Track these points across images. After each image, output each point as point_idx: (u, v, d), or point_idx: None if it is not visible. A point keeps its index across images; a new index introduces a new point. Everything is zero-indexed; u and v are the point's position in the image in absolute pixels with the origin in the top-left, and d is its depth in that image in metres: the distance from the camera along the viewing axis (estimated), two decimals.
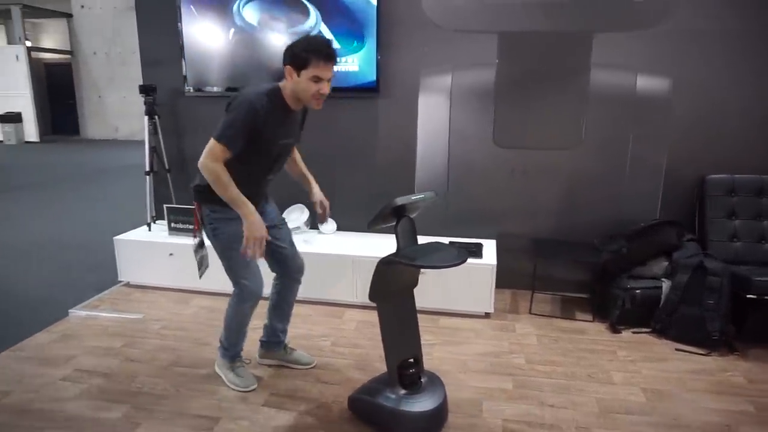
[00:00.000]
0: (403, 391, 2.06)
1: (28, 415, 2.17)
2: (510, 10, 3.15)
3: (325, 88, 2.05)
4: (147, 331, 2.95)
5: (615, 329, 2.97)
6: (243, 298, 2.27)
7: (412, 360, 2.11)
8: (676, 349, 2.76)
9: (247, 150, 2.04)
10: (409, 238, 2.02)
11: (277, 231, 2.35)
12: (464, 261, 1.90)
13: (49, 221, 5.52)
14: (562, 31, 3.14)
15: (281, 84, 2.09)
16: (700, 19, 3.00)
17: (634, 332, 2.95)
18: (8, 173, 8.47)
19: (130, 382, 2.43)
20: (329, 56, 2.01)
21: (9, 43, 13.68)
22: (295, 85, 2.04)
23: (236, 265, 2.21)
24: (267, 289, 2.36)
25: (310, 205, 3.55)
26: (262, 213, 2.20)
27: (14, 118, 12.37)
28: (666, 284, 2.93)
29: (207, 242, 2.33)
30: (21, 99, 12.51)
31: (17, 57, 12.43)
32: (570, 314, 3.19)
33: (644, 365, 2.61)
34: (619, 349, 2.77)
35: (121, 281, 3.59)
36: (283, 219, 2.46)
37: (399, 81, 3.39)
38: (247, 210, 2.03)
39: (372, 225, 2.00)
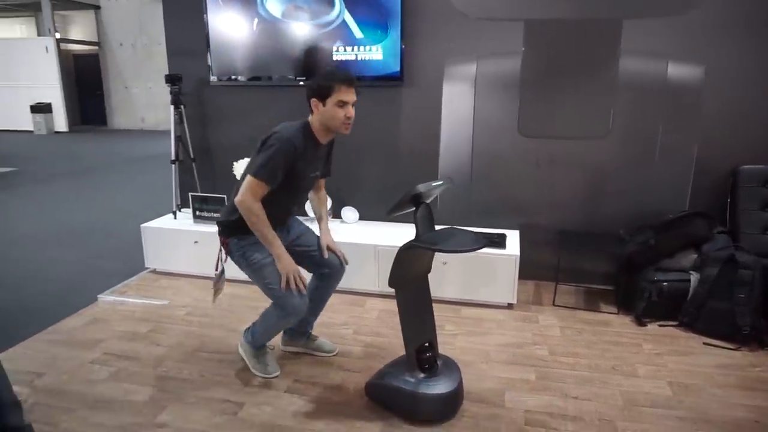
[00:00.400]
0: (421, 375, 2.11)
1: (61, 396, 2.24)
2: None
3: (351, 112, 2.14)
4: (172, 317, 3.01)
5: (640, 322, 2.93)
6: (288, 313, 2.22)
7: (428, 344, 2.16)
8: (704, 343, 2.70)
9: (280, 183, 2.12)
10: (428, 224, 2.05)
11: (303, 239, 2.42)
12: (483, 246, 1.95)
13: (78, 209, 5.65)
14: (591, 18, 3.07)
15: (310, 119, 2.18)
16: (736, 4, 2.90)
17: (660, 325, 2.90)
18: (39, 163, 8.69)
19: (156, 366, 2.48)
20: (349, 80, 2.12)
21: (39, 35, 14.01)
22: (322, 115, 2.13)
23: (273, 283, 2.19)
24: None
25: (332, 194, 3.58)
26: (288, 229, 2.39)
27: (44, 108, 12.66)
28: (694, 277, 2.87)
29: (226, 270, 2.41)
30: (51, 90, 12.79)
31: (47, 49, 12.70)
32: (594, 306, 3.15)
33: (670, 359, 2.56)
34: (644, 342, 2.73)
35: (147, 268, 3.66)
36: (307, 227, 2.50)
37: (423, 70, 3.36)
38: (279, 250, 2.15)
39: (392, 212, 2.07)
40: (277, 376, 2.40)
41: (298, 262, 2.28)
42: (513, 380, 2.38)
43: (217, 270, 2.40)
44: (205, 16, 3.53)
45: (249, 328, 2.46)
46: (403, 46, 3.29)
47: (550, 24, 3.13)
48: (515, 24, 3.17)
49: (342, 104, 2.11)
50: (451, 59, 3.30)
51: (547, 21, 3.13)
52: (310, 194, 2.53)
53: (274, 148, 2.06)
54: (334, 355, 2.60)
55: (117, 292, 3.33)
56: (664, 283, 2.90)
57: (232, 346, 2.63)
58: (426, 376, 2.11)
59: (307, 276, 2.39)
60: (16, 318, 3.03)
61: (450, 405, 2.14)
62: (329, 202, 3.60)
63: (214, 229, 3.37)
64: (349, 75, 2.15)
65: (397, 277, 2.07)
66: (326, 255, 2.43)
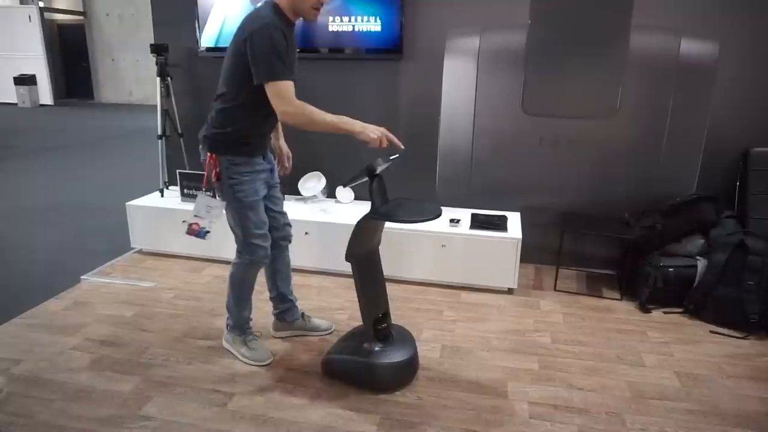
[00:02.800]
0: (377, 346, 2.14)
1: (39, 386, 2.11)
2: None
3: None
4: (159, 300, 2.88)
5: (645, 308, 2.84)
6: (254, 261, 2.18)
7: (382, 315, 2.18)
8: (711, 332, 2.62)
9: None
10: (383, 196, 2.04)
11: (276, 190, 2.28)
12: (439, 215, 1.96)
13: (62, 185, 5.46)
14: None
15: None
16: None
17: (665, 312, 2.81)
18: (23, 137, 8.42)
19: (141, 353, 2.36)
20: None
21: (21, 3, 13.50)
22: None
23: (251, 225, 2.12)
24: None
25: (327, 173, 3.43)
26: (268, 166, 2.20)
27: (28, 80, 12.27)
28: (701, 263, 2.78)
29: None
30: (34, 61, 12.39)
31: (30, 18, 12.27)
32: (597, 291, 3.06)
33: (677, 347, 2.48)
34: (649, 330, 2.64)
35: (133, 248, 3.52)
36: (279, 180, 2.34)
37: (424, 43, 3.19)
38: (359, 124, 1.95)
39: (348, 184, 2.07)
40: (269, 364, 2.28)
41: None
42: (515, 370, 2.29)
43: (206, 190, 2.16)
44: None
45: (226, 319, 2.36)
46: (403, 17, 3.11)
47: None
48: None
49: None
50: (454, 32, 3.13)
51: None
52: None
53: (269, 42, 1.85)
54: (330, 333, 2.51)
55: (101, 273, 3.19)
56: (670, 269, 2.81)
57: (221, 331, 2.50)
58: (382, 346, 2.14)
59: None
60: None
61: (407, 372, 2.19)
62: (322, 181, 3.46)
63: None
64: None
65: (353, 251, 2.07)
66: (287, 163, 2.37)
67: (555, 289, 3.07)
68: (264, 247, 2.18)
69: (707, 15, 2.84)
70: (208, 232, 2.22)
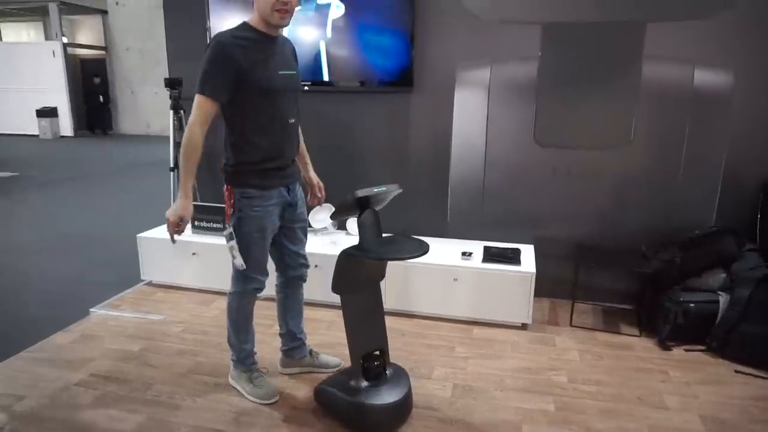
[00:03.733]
0: (365, 383, 2.04)
1: (40, 423, 2.07)
2: None
3: None
4: (167, 333, 2.84)
5: (665, 346, 2.73)
6: (247, 291, 2.17)
7: (377, 352, 2.10)
8: (736, 371, 2.50)
9: (247, 94, 1.94)
10: (372, 231, 2.00)
11: (298, 229, 2.25)
12: (425, 252, 1.90)
13: (76, 216, 5.52)
14: (612, 21, 2.90)
15: (249, 18, 1.98)
16: (767, 6, 2.72)
17: (686, 350, 2.70)
18: (41, 168, 8.58)
19: (146, 389, 2.31)
20: None
21: (46, 39, 13.98)
22: (257, 3, 1.91)
23: (250, 259, 2.09)
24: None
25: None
26: (288, 200, 2.15)
27: (50, 112, 12.59)
28: (723, 298, 2.68)
29: None
30: (56, 94, 12.74)
31: (54, 53, 12.66)
32: (614, 327, 2.96)
33: (701, 388, 2.37)
34: (671, 369, 2.53)
35: (143, 280, 3.50)
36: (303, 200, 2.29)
37: (434, 75, 3.19)
38: (185, 193, 1.96)
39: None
40: (275, 402, 2.22)
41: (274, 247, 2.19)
42: (530, 411, 2.19)
43: (226, 228, 2.12)
44: (207, 21, 3.38)
45: (231, 355, 2.32)
46: (414, 50, 3.12)
47: (569, 27, 2.96)
48: (532, 27, 3.00)
49: None
50: (464, 64, 3.14)
51: (565, 24, 2.96)
52: None
53: (207, 56, 1.88)
54: (338, 369, 2.43)
55: (110, 306, 3.17)
56: (691, 305, 2.71)
57: (227, 367, 2.45)
58: (370, 384, 2.04)
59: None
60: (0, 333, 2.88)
61: (395, 415, 2.06)
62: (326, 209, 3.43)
63: (213, 240, 3.27)
64: None
65: (340, 284, 2.01)
66: (318, 193, 2.36)
67: (571, 325, 2.98)
68: (259, 280, 2.16)
69: (721, 44, 2.81)
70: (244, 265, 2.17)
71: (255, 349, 2.32)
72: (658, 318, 2.81)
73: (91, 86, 13.53)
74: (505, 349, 2.72)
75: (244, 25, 1.97)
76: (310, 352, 2.45)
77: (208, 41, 3.33)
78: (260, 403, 2.20)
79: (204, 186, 3.66)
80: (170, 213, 1.95)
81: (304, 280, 2.35)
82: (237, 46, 1.89)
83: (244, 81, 1.91)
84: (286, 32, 2.35)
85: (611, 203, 3.12)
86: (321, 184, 2.38)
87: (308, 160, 2.36)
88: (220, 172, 2.11)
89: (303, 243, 2.30)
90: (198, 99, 1.91)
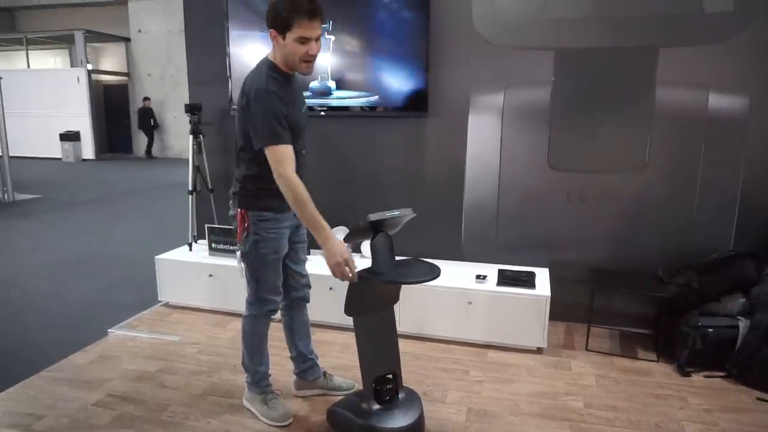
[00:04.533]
0: (376, 407, 2.06)
1: None
2: (568, 24, 2.97)
3: (314, 49, 1.90)
4: (183, 354, 2.87)
5: (684, 372, 2.68)
6: (262, 314, 2.19)
7: (390, 376, 2.12)
8: (758, 399, 2.45)
9: None
10: (385, 254, 2.01)
11: (301, 249, 2.28)
12: (436, 277, 1.93)
13: (96, 238, 5.62)
14: (625, 46, 2.93)
15: (269, 55, 1.99)
16: None
17: (706, 376, 2.65)
18: (63, 190, 8.79)
19: (162, 410, 2.33)
20: (313, 12, 1.85)
21: (72, 66, 14.43)
22: (282, 48, 1.92)
23: (265, 284, 2.13)
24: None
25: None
26: (296, 222, 2.16)
27: (73, 136, 12.94)
28: (744, 323, 2.63)
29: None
30: (80, 119, 13.10)
31: (78, 79, 13.06)
32: (631, 352, 2.92)
33: (721, 416, 2.32)
34: (690, 396, 2.48)
35: (160, 301, 3.55)
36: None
37: (448, 100, 3.24)
38: (327, 234, 1.89)
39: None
40: (290, 424, 2.22)
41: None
42: None
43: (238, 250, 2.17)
44: (227, 47, 3.48)
45: (246, 377, 2.33)
46: (428, 76, 3.18)
47: (582, 53, 2.99)
48: (545, 53, 3.04)
49: (304, 41, 1.86)
50: (478, 89, 3.18)
51: (578, 50, 2.99)
52: None
53: (262, 106, 1.88)
54: (353, 392, 2.42)
55: (128, 327, 3.21)
56: (710, 329, 2.67)
57: (242, 388, 2.46)
58: (381, 408, 2.06)
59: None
60: (19, 353, 2.93)
61: None
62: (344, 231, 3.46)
63: (229, 262, 3.31)
64: (315, 5, 1.85)
65: (352, 306, 2.03)
66: None
67: (587, 349, 2.95)
68: (275, 301, 2.19)
69: (735, 69, 2.82)
70: None
71: (270, 372, 2.33)
72: (675, 343, 2.77)
73: (114, 111, 13.86)
74: (520, 373, 2.70)
75: (272, 66, 1.98)
76: (324, 374, 2.46)
77: (228, 69, 3.46)
78: (274, 426, 2.21)
79: (222, 208, 3.71)
80: (330, 265, 1.89)
81: (308, 301, 2.36)
82: (280, 92, 1.94)
83: (285, 121, 1.96)
84: None
85: (626, 227, 3.10)
86: None
87: None
88: (231, 196, 2.15)
89: (304, 263, 2.33)
90: (274, 150, 1.90)
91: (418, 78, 3.19)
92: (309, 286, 2.36)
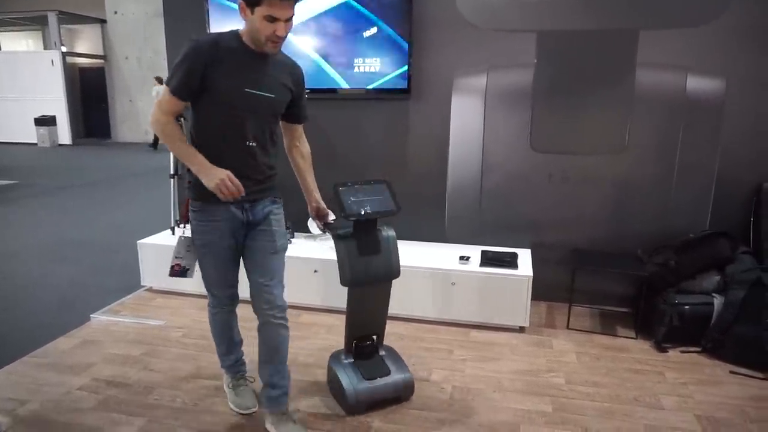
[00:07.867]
0: (350, 360, 2.23)
1: (43, 427, 2.09)
2: (549, 7, 2.99)
3: (281, 30, 1.77)
4: (168, 338, 2.86)
5: (661, 348, 2.76)
6: (213, 305, 2.16)
7: (375, 336, 2.29)
8: (731, 372, 2.53)
9: (208, 103, 1.83)
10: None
11: (264, 254, 2.00)
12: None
13: (76, 223, 5.54)
14: (606, 29, 2.95)
15: (241, 29, 1.87)
16: (757, 14, 2.78)
17: (682, 351, 2.73)
18: (40, 176, 8.61)
19: (147, 393, 2.33)
20: None
21: (45, 48, 14.05)
22: (249, 24, 1.80)
23: (207, 276, 2.07)
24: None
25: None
26: (239, 219, 1.96)
27: (48, 121, 12.65)
28: (718, 300, 2.71)
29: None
30: (55, 103, 12.80)
31: (52, 62, 12.73)
32: (611, 330, 2.99)
33: (697, 389, 2.40)
34: (666, 370, 2.56)
35: (143, 286, 3.53)
36: (277, 216, 2.06)
37: (431, 83, 3.25)
38: (200, 162, 1.80)
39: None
40: (253, 413, 2.18)
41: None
42: (528, 412, 2.22)
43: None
44: (207, 28, 3.43)
45: None
46: (411, 58, 3.17)
47: (564, 35, 3.01)
48: (527, 35, 3.05)
49: (272, 20, 1.74)
50: (461, 71, 3.19)
51: (560, 32, 3.01)
52: (286, 146, 2.14)
53: (181, 54, 1.78)
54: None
55: (111, 312, 3.19)
56: (686, 307, 2.74)
57: None
58: (354, 360, 2.23)
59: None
60: (2, 339, 2.89)
61: (375, 399, 2.19)
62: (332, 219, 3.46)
63: None
64: None
65: (344, 277, 2.09)
66: (321, 221, 2.22)
67: (568, 328, 3.01)
68: (221, 296, 2.11)
69: (712, 51, 2.86)
70: (188, 269, 2.17)
71: (244, 358, 2.31)
72: (653, 320, 2.84)
73: (90, 94, 13.58)
74: (503, 351, 2.75)
75: (232, 34, 1.87)
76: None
77: None
78: (238, 412, 2.19)
79: None
80: (212, 187, 1.78)
81: (273, 324, 1.98)
82: (210, 51, 1.80)
83: (205, 89, 1.81)
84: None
85: (607, 208, 3.16)
86: (326, 211, 2.21)
87: (312, 186, 2.19)
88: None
89: (268, 272, 1.98)
90: (164, 90, 1.84)
91: (401, 60, 3.18)
92: (279, 307, 1.98)
